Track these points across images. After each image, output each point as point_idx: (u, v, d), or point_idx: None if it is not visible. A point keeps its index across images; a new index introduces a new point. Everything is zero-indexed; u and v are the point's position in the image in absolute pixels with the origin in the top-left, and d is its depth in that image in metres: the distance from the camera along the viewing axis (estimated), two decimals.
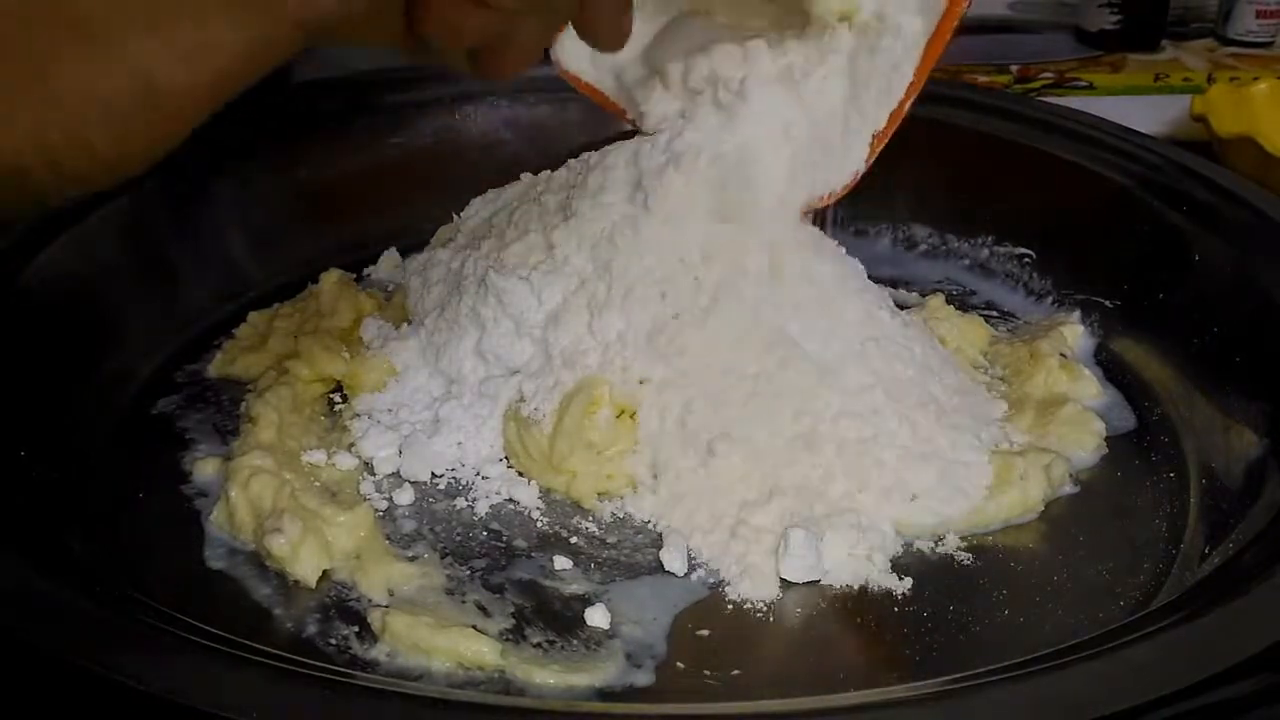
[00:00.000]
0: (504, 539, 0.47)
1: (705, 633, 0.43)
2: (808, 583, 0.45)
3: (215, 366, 0.56)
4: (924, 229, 0.65)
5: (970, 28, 0.97)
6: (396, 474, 0.50)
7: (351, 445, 0.51)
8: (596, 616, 0.43)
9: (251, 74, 0.31)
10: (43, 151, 0.29)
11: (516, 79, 0.39)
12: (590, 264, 0.51)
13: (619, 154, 0.54)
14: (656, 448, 0.47)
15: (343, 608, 0.44)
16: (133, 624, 0.36)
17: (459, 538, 0.47)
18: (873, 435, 0.48)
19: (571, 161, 0.58)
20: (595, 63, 0.54)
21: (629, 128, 0.55)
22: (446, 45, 0.35)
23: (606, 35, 0.39)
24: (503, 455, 0.51)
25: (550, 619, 0.43)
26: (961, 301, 0.62)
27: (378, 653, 0.42)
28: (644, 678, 0.41)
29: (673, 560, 0.45)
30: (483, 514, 0.48)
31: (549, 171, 0.59)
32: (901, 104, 0.50)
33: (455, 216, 0.61)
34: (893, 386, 0.50)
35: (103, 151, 0.30)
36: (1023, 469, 0.49)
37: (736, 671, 0.41)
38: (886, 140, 0.50)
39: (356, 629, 0.43)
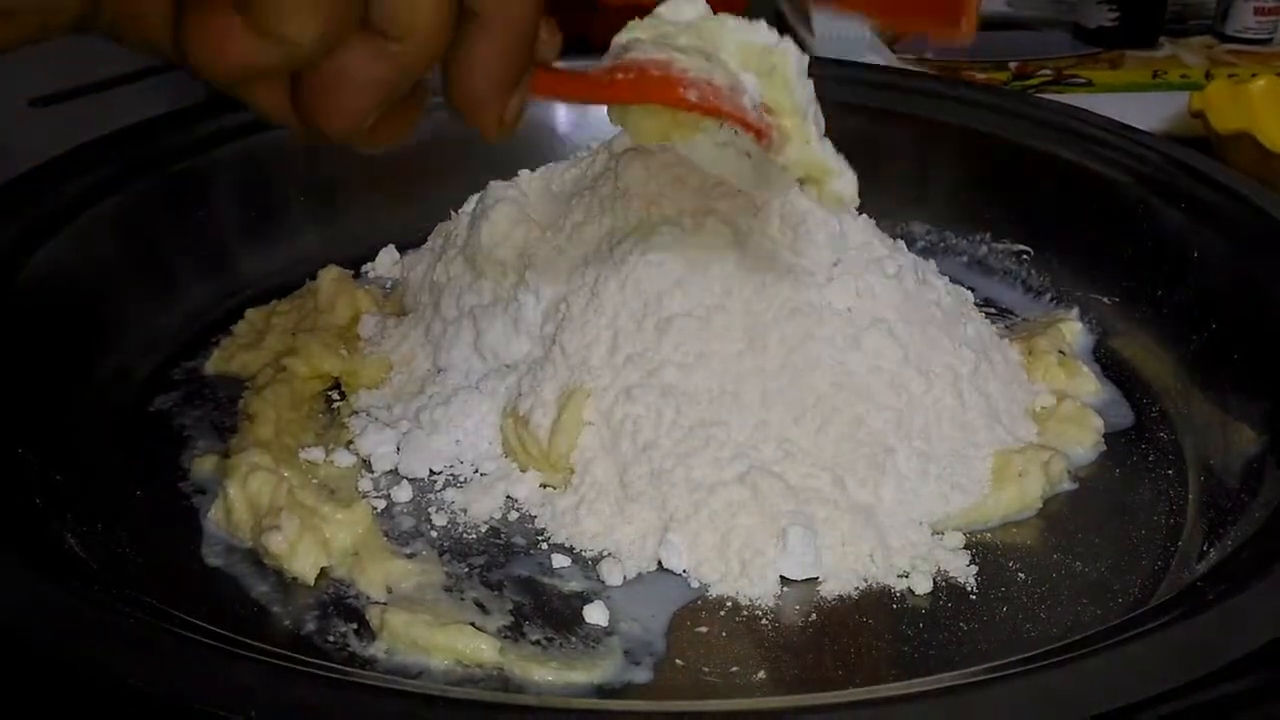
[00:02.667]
0: (502, 536, 0.47)
1: (704, 630, 0.43)
2: (806, 580, 0.45)
3: (213, 364, 0.56)
4: (922, 226, 0.65)
5: None
6: (394, 471, 0.50)
7: (349, 442, 0.51)
8: (595, 614, 0.43)
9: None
10: None
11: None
12: (589, 262, 0.51)
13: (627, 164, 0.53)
14: (655, 445, 0.47)
15: (341, 605, 0.44)
16: (130, 621, 0.36)
17: (457, 535, 0.47)
18: (874, 435, 0.48)
19: (581, 155, 0.58)
20: None
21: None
22: (215, 78, 0.28)
23: (490, 120, 0.30)
24: (501, 452, 0.50)
25: (549, 616, 0.43)
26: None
27: (376, 650, 0.42)
28: (643, 675, 0.41)
29: (672, 558, 0.45)
30: (481, 512, 0.48)
31: (547, 167, 0.59)
32: None
33: (453, 214, 0.61)
34: (912, 379, 0.50)
35: None
36: (1021, 466, 0.49)
37: (735, 669, 0.42)
38: None
39: (355, 626, 0.43)
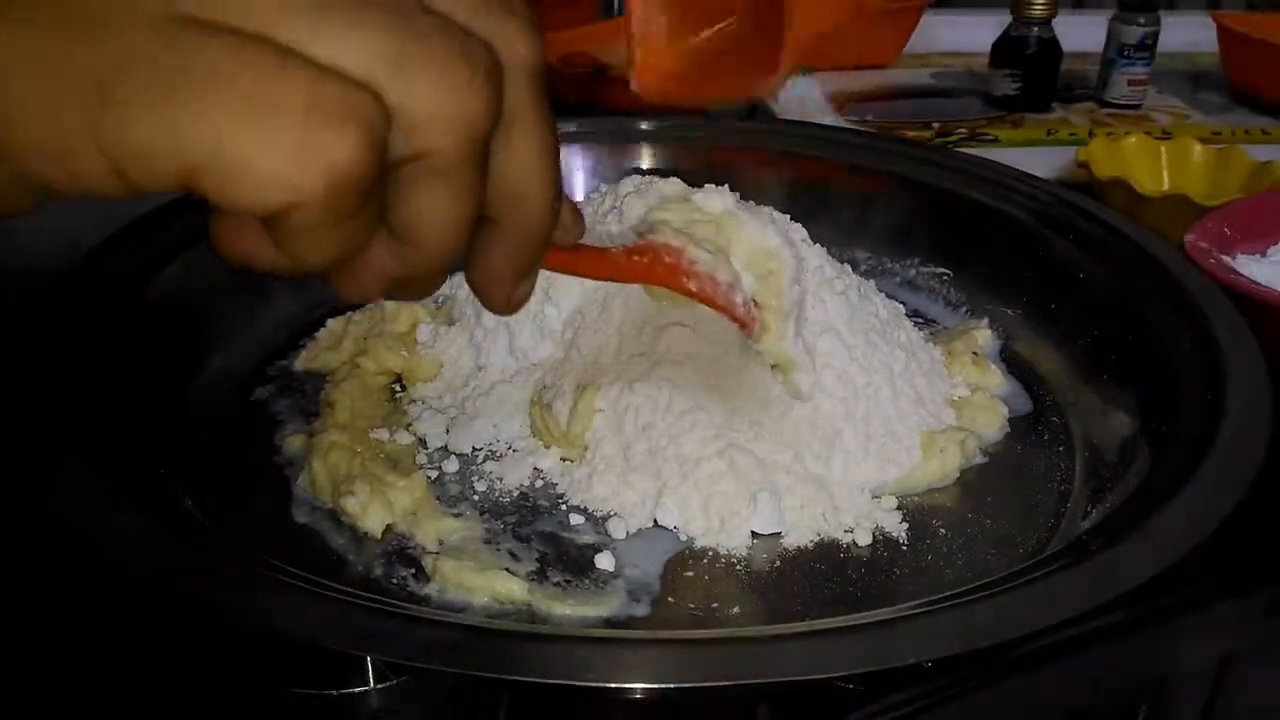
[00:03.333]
0: (530, 500, 0.47)
1: (691, 574, 0.43)
2: (772, 535, 0.45)
3: (301, 362, 0.56)
4: (864, 253, 0.65)
5: (900, 93, 0.97)
6: (445, 448, 0.50)
7: (409, 425, 0.51)
8: (604, 561, 0.43)
9: None
10: None
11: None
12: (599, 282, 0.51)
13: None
14: (652, 427, 0.47)
15: (402, 554, 0.44)
16: (235, 567, 0.36)
17: (494, 499, 0.47)
18: (826, 419, 0.48)
19: (593, 195, 0.58)
20: None
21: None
22: (222, 259, 0.24)
23: (499, 303, 0.26)
24: (530, 432, 0.50)
25: (567, 563, 0.43)
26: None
27: (430, 590, 0.42)
28: (642, 610, 0.41)
29: (666, 517, 0.45)
30: (513, 480, 0.48)
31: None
32: None
33: None
34: (856, 374, 0.49)
35: None
36: (942, 443, 0.49)
37: (716, 605, 0.42)
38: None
39: (413, 571, 0.43)
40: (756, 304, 0.33)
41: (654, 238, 0.31)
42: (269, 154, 0.19)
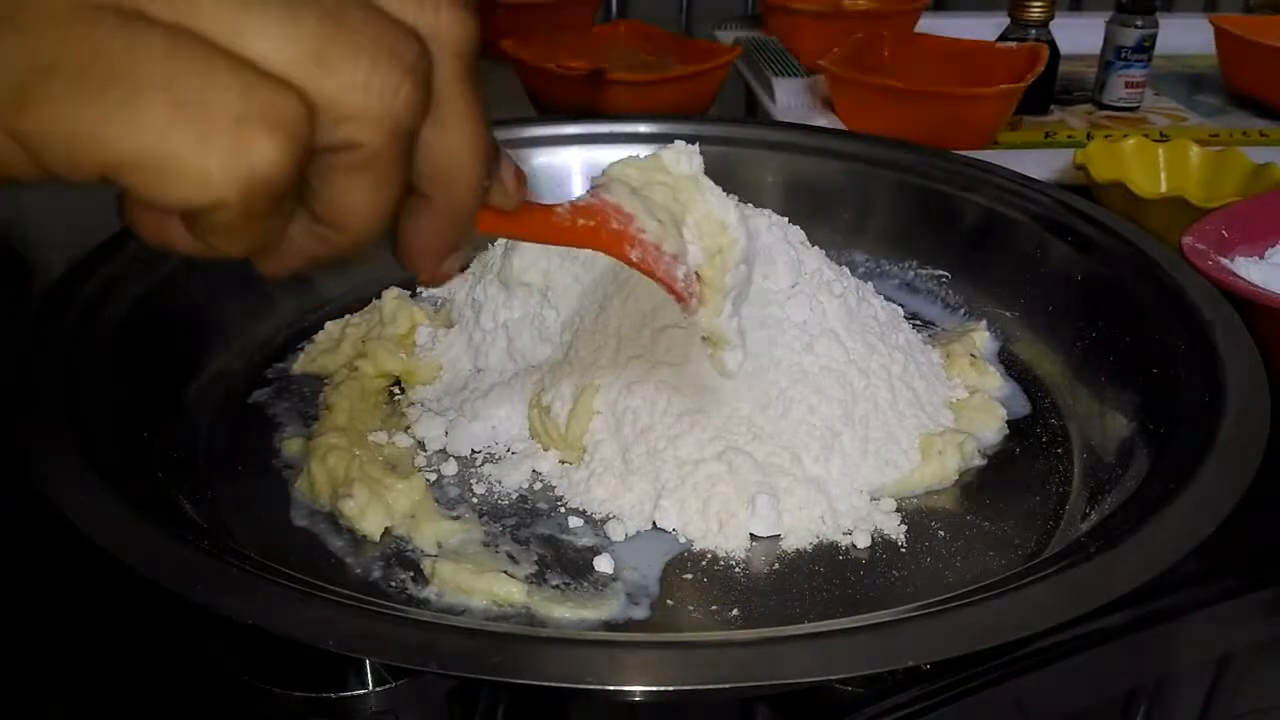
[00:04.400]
0: (529, 502, 0.47)
1: (689, 577, 0.43)
2: (771, 537, 0.45)
3: (299, 365, 0.56)
4: (862, 255, 0.65)
5: None
6: (443, 450, 0.50)
7: (408, 428, 0.51)
8: (603, 564, 0.43)
9: None
10: None
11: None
12: (598, 284, 0.51)
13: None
14: (651, 429, 0.47)
15: (401, 557, 0.44)
16: (233, 569, 0.35)
17: (493, 501, 0.47)
18: (825, 421, 0.48)
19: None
20: None
21: None
22: (142, 239, 0.23)
23: (426, 275, 0.27)
24: (528, 435, 0.50)
25: (566, 566, 0.43)
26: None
27: (429, 593, 0.42)
28: (640, 612, 0.41)
29: (664, 520, 0.45)
30: (512, 482, 0.48)
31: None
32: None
33: (490, 246, 0.61)
34: (854, 376, 0.49)
35: None
36: (941, 446, 0.49)
37: (714, 607, 0.41)
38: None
39: (412, 574, 0.43)
40: (699, 277, 0.32)
41: (606, 196, 0.30)
42: (196, 157, 0.19)
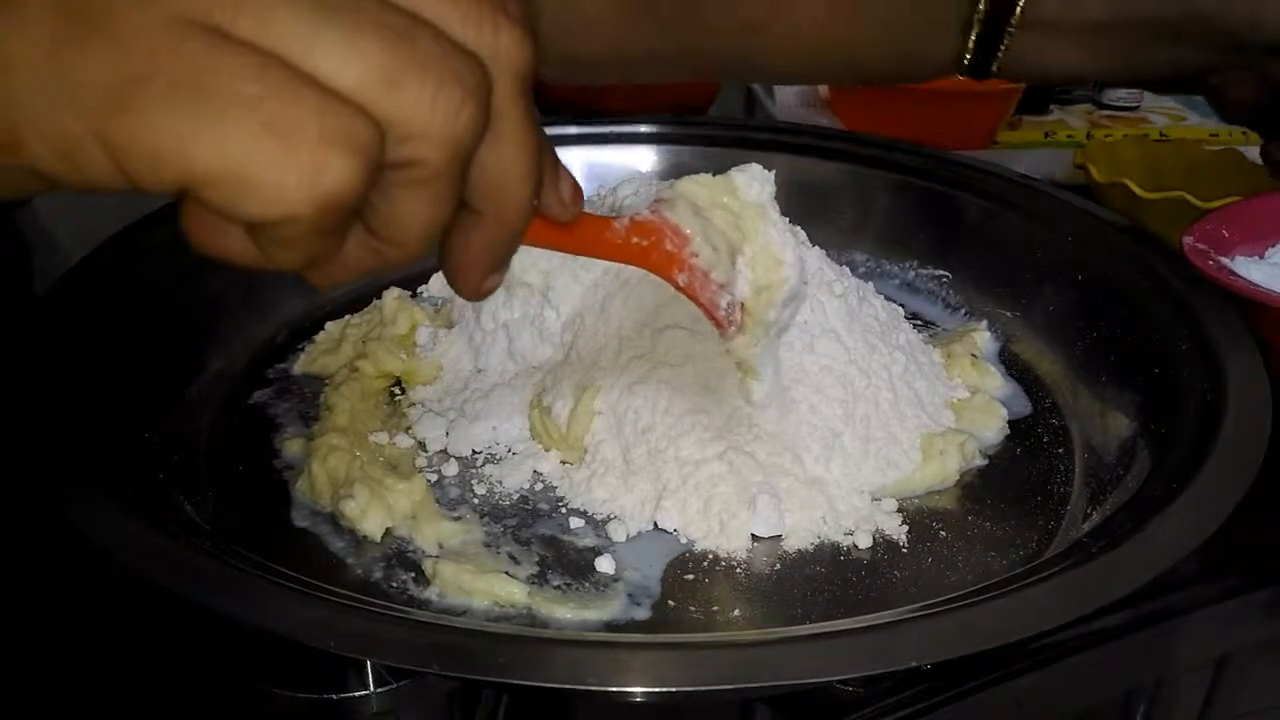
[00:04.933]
0: (530, 503, 0.47)
1: (691, 577, 0.43)
2: (772, 538, 0.45)
3: (299, 365, 0.56)
4: (862, 255, 0.65)
5: None
6: (444, 451, 0.50)
7: (408, 428, 0.51)
8: (604, 564, 0.43)
9: None
10: None
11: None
12: (598, 284, 0.51)
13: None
14: (652, 429, 0.47)
15: (402, 558, 0.44)
16: (235, 571, 0.35)
17: (494, 502, 0.47)
18: (825, 421, 0.48)
19: (592, 197, 0.58)
20: None
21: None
22: (198, 251, 0.24)
23: (469, 290, 0.27)
24: (529, 435, 0.50)
25: (567, 566, 0.43)
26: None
27: (430, 594, 0.41)
28: (642, 613, 0.41)
29: (666, 520, 0.45)
30: (513, 483, 0.48)
31: None
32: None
33: None
34: (855, 376, 0.49)
35: None
36: (942, 446, 0.49)
37: (716, 608, 0.41)
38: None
39: (413, 575, 0.42)
40: (744, 308, 0.32)
41: (668, 215, 0.30)
42: (276, 174, 0.20)
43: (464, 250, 0.26)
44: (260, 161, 0.20)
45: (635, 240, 0.30)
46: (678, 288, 0.31)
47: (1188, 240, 0.56)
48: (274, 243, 0.22)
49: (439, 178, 0.23)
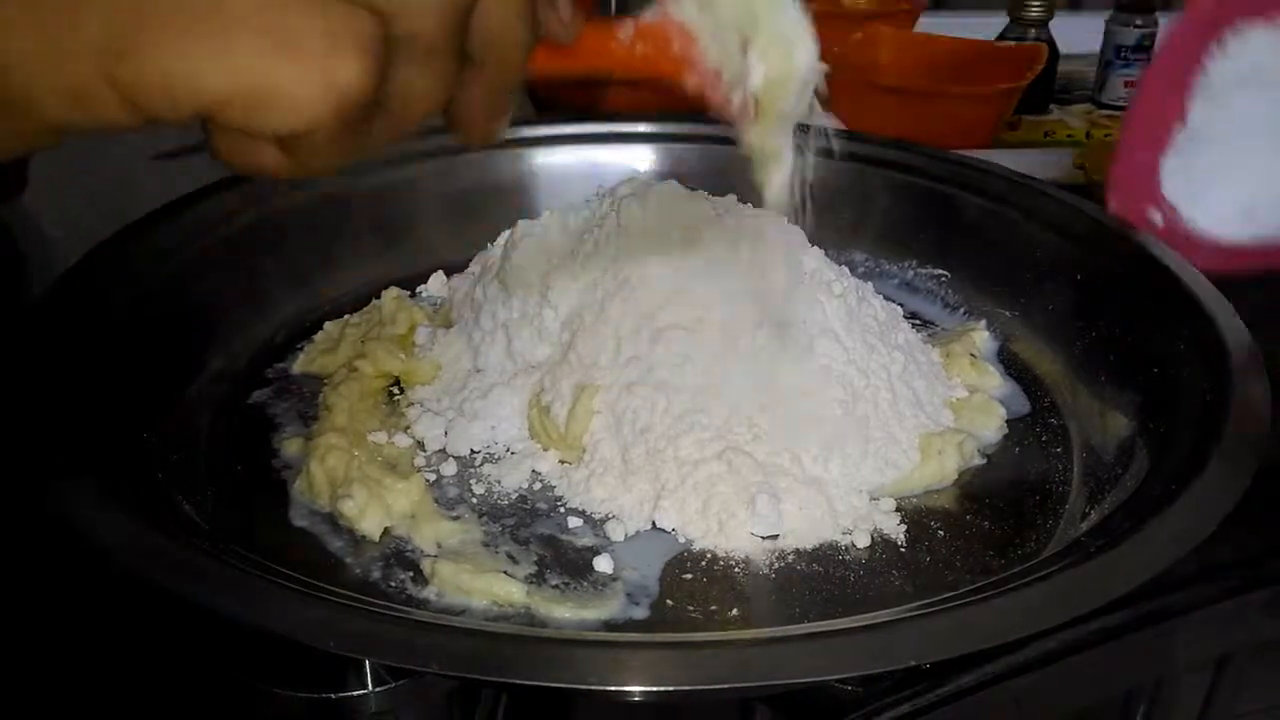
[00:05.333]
0: (529, 502, 0.47)
1: (689, 577, 0.43)
2: (771, 537, 0.45)
3: (298, 365, 0.56)
4: (861, 254, 0.65)
5: None
6: (443, 450, 0.50)
7: (407, 428, 0.51)
8: (603, 564, 0.43)
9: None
10: None
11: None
12: (597, 284, 0.51)
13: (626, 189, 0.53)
14: (650, 429, 0.47)
15: (400, 557, 0.44)
16: (234, 570, 0.35)
17: (493, 501, 0.47)
18: (824, 421, 0.48)
19: (590, 199, 0.58)
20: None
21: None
22: (234, 169, 0.24)
23: (477, 138, 0.28)
24: (528, 435, 0.50)
25: (566, 566, 0.43)
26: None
27: (428, 593, 0.41)
28: (641, 612, 0.41)
29: (664, 520, 0.45)
30: (512, 482, 0.48)
31: (564, 208, 0.59)
32: None
33: (490, 246, 0.61)
34: (854, 376, 0.49)
35: None
36: (941, 445, 0.49)
37: (714, 607, 0.41)
38: None
39: (411, 574, 0.42)
40: (757, 101, 0.32)
41: (674, 10, 0.30)
42: (292, 86, 0.21)
43: (468, 105, 0.26)
44: (272, 76, 0.21)
45: (640, 49, 0.30)
46: (689, 90, 0.31)
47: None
48: (305, 149, 0.23)
49: (439, 46, 0.23)
